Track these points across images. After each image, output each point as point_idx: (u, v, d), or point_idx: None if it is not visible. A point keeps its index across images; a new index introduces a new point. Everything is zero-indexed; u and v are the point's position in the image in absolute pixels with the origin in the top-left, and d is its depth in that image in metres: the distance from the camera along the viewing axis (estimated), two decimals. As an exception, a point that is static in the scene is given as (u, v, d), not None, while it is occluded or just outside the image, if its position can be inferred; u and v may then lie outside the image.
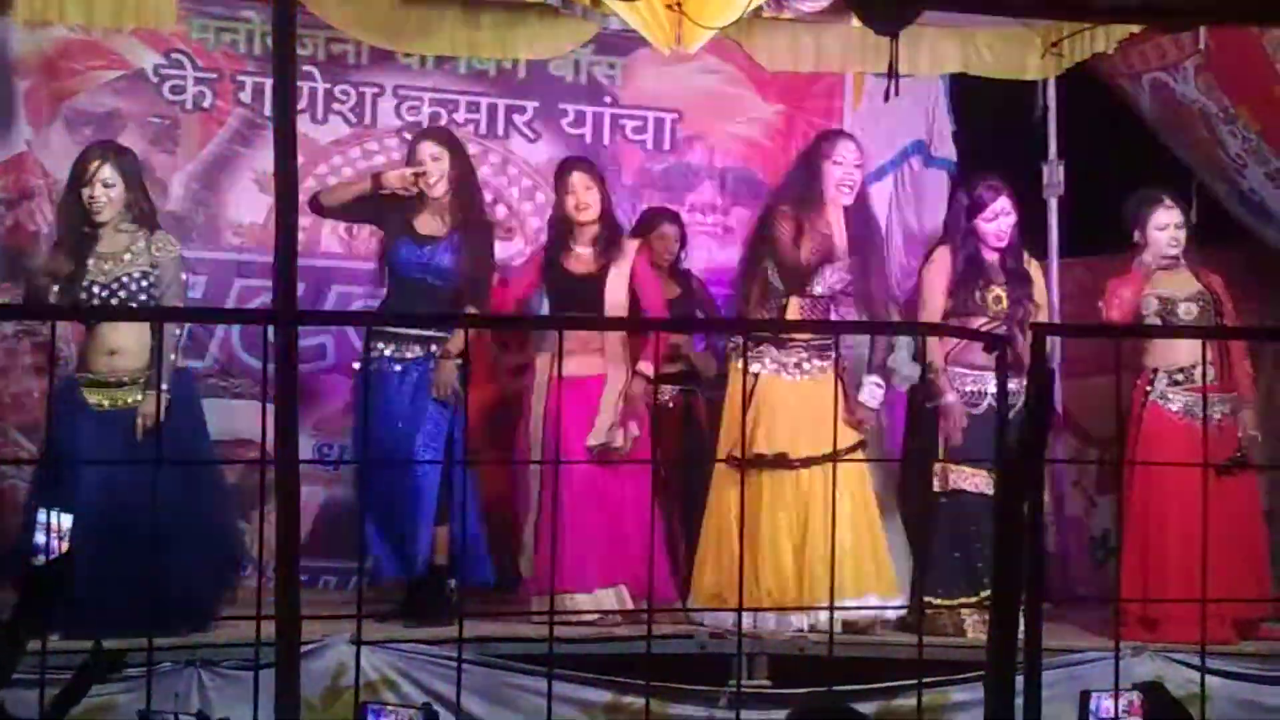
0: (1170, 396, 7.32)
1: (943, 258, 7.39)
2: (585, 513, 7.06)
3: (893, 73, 5.29)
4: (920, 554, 7.15)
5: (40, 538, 5.34)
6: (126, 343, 6.62)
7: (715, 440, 7.59)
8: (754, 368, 7.14)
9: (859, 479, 7.18)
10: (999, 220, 7.36)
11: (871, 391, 7.28)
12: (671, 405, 7.86)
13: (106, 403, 6.62)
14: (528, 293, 7.50)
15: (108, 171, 6.72)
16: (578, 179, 7.30)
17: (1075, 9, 5.12)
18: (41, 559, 4.95)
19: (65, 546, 5.09)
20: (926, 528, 7.17)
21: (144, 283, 6.66)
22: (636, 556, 7.03)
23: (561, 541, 6.71)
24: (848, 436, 7.13)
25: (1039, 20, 7.71)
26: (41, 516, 5.33)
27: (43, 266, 6.81)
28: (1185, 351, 7.25)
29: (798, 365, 7.17)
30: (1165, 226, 7.39)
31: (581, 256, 7.30)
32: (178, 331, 6.70)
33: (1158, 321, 7.33)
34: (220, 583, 6.76)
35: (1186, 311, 7.35)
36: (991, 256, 7.38)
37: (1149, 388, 7.33)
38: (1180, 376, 7.30)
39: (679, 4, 6.65)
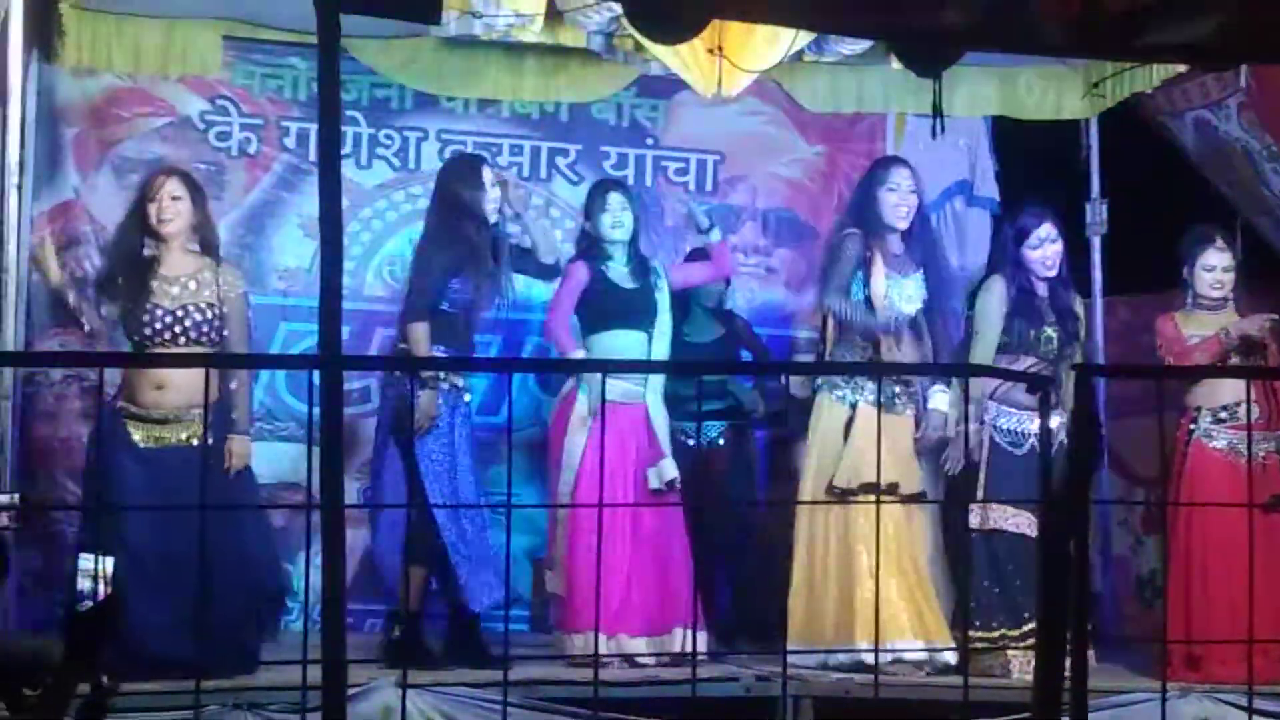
0: (1214, 434, 7.29)
1: (998, 286, 7.36)
2: (627, 552, 7.06)
3: (937, 113, 5.31)
4: (961, 594, 7.12)
5: (84, 583, 5.35)
6: (175, 377, 6.53)
7: (763, 478, 7.58)
8: (851, 399, 7.15)
9: (919, 520, 7.18)
10: (1044, 247, 7.31)
11: (939, 399, 7.30)
12: (722, 442, 7.87)
13: (150, 440, 6.57)
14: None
15: (175, 185, 6.74)
16: (615, 199, 7.34)
17: (1116, 49, 5.11)
18: (87, 604, 4.98)
19: (109, 590, 5.10)
20: (964, 568, 7.14)
21: (210, 314, 6.62)
22: (673, 598, 7.05)
23: (603, 582, 6.73)
24: (914, 477, 7.19)
25: (1080, 60, 7.70)
26: (84, 562, 5.34)
27: (101, 290, 6.82)
28: (1229, 390, 7.21)
29: (894, 399, 7.18)
30: (1212, 268, 7.38)
31: (621, 274, 7.32)
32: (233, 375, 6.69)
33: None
34: (263, 624, 6.77)
35: None
36: (1042, 290, 7.33)
37: (1192, 426, 7.31)
38: (1224, 415, 7.27)
39: (720, 48, 6.67)
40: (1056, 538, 4.26)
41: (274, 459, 7.63)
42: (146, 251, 6.71)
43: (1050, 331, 7.29)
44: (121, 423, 6.56)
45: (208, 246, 6.78)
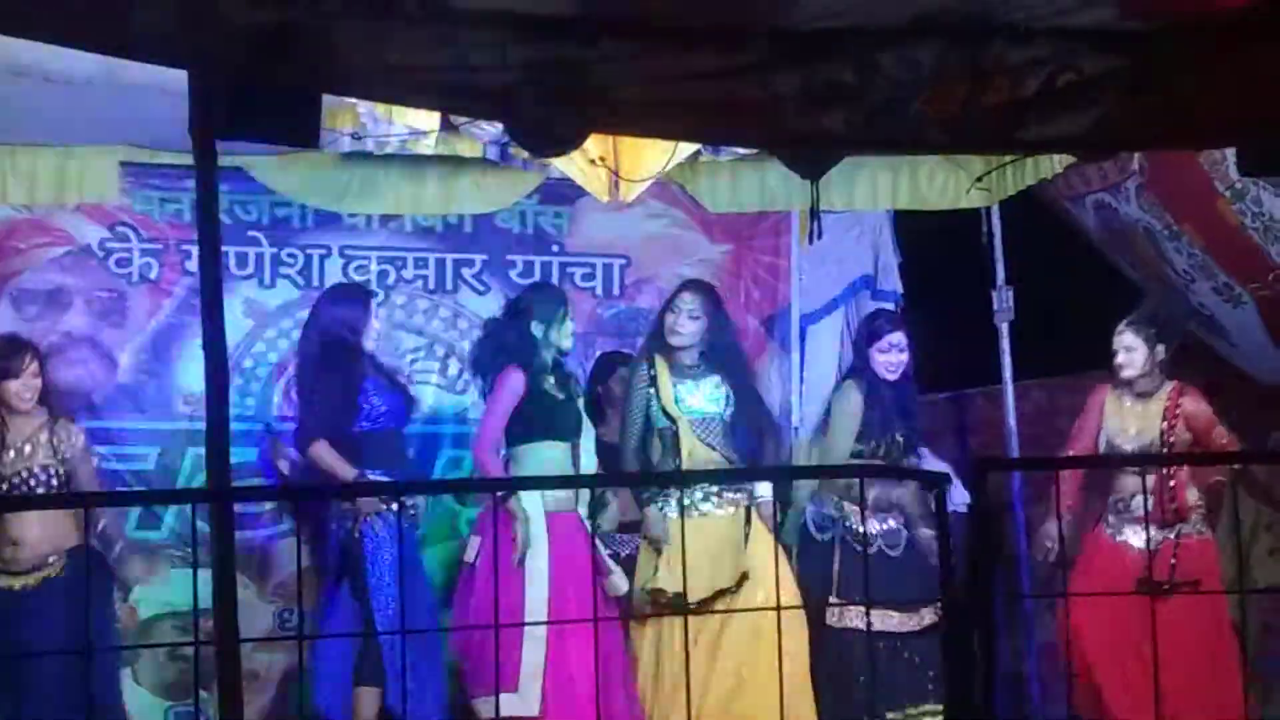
0: (1112, 523, 7.37)
1: (853, 393, 7.48)
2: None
3: (814, 215, 5.34)
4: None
5: None
6: (27, 534, 6.69)
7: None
8: (670, 512, 7.02)
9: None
10: (891, 353, 7.47)
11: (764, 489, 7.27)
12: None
13: (17, 585, 6.69)
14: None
15: (37, 366, 6.88)
16: (564, 310, 7.27)
17: (998, 144, 5.15)
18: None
19: None
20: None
21: (45, 475, 6.79)
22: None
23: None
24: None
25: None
26: None
27: None
28: (1130, 482, 7.29)
29: (708, 497, 7.16)
30: (1132, 349, 7.44)
31: (551, 384, 7.19)
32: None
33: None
34: None
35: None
36: (888, 394, 7.44)
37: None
38: (1120, 506, 7.34)
39: (601, 159, 6.68)
40: (959, 634, 4.24)
41: (185, 586, 7.51)
42: None
43: (898, 436, 7.40)
44: None
45: (48, 406, 6.94)
